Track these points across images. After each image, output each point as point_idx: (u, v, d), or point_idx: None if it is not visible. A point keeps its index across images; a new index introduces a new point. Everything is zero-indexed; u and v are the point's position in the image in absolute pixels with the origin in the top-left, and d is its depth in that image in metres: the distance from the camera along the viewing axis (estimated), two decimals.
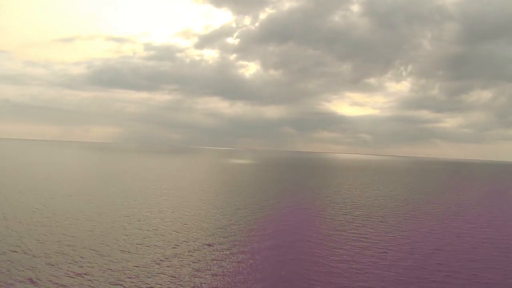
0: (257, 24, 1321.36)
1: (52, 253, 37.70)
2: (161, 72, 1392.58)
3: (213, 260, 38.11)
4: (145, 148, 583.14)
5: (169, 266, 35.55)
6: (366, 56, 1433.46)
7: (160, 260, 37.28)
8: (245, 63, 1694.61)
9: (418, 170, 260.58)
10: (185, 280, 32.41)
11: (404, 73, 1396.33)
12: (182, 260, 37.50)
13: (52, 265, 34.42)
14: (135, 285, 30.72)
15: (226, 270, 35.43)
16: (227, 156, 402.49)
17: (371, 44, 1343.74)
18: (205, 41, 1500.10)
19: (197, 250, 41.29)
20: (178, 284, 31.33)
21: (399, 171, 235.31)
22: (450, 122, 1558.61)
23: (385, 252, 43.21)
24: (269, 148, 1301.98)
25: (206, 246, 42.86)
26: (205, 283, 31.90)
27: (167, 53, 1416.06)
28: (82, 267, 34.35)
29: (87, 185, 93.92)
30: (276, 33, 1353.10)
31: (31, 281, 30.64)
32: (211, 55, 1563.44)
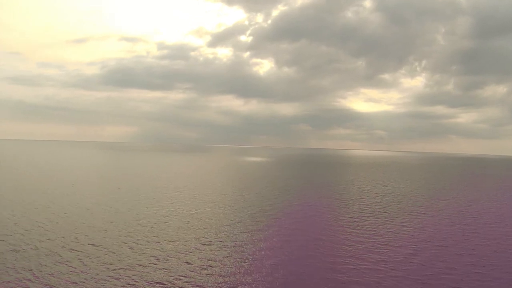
0: (269, 22, 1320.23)
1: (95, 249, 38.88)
2: (174, 71, 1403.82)
3: (226, 257, 38.73)
4: (160, 147, 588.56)
5: (187, 262, 36.30)
6: (380, 52, 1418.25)
7: (173, 254, 38.07)
8: (258, 60, 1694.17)
9: (432, 166, 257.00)
10: (199, 274, 33.11)
11: (418, 69, 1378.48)
12: (195, 255, 38.24)
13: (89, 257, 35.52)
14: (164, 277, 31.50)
15: (244, 265, 36.00)
16: (242, 154, 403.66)
17: (384, 40, 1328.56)
18: (218, 40, 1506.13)
19: (210, 244, 42.00)
20: (192, 277, 32.04)
21: (413, 167, 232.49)
22: (465, 117, 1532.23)
23: (391, 249, 43.19)
24: (284, 146, 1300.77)
25: (218, 242, 43.54)
26: (215, 276, 32.54)
27: (180, 52, 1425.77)
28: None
29: (107, 184, 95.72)
30: (288, 30, 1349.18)
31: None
32: (224, 53, 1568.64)
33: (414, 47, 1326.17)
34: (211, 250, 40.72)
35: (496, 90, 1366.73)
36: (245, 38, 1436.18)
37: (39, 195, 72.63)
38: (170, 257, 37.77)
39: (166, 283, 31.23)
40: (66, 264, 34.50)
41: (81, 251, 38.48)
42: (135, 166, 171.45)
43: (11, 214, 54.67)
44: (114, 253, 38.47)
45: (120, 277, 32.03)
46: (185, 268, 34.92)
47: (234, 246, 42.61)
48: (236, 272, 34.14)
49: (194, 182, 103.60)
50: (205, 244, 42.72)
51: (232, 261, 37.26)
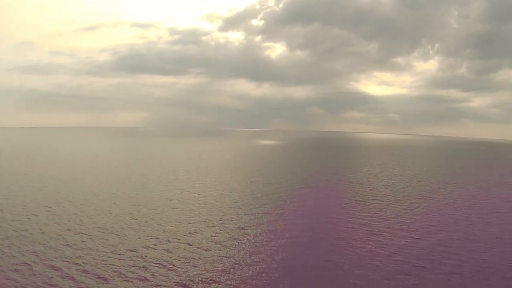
0: (281, 5, 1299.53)
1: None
2: (186, 56, 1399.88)
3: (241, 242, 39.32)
4: (173, 131, 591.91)
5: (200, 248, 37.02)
6: (393, 35, 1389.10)
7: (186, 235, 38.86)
8: (270, 44, 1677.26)
9: (444, 150, 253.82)
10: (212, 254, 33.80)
11: (431, 52, 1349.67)
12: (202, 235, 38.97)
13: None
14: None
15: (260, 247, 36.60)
16: (255, 137, 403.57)
17: (397, 23, 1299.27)
18: (230, 24, 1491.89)
19: (215, 226, 42.67)
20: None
21: (425, 151, 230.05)
22: (478, 101, 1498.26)
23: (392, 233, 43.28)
24: (298, 129, 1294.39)
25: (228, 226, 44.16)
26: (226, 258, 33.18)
27: (192, 37, 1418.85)
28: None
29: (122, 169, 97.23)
30: (300, 14, 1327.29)
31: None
32: (236, 37, 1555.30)
33: (427, 30, 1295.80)
34: (213, 232, 41.33)
35: (510, 74, 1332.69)
36: (257, 22, 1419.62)
37: (49, 181, 74.30)
38: (172, 238, 38.50)
39: (165, 263, 31.94)
40: (70, 246, 35.49)
41: (85, 234, 39.47)
42: (147, 151, 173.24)
43: (21, 200, 56.18)
44: (118, 235, 39.36)
45: (121, 258, 32.82)
46: (185, 249, 35.60)
47: (237, 228, 43.16)
48: (235, 254, 34.68)
49: (205, 166, 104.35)
50: (209, 226, 43.36)
51: (233, 243, 37.81)
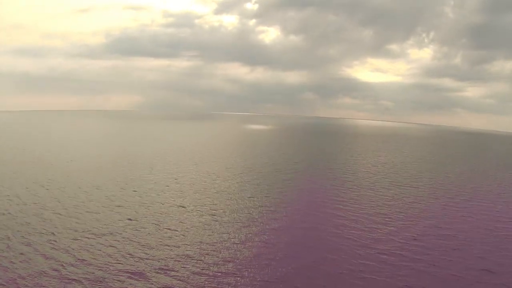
0: None
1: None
2: (180, 39, 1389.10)
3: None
4: (166, 115, 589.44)
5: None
6: (387, 22, 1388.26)
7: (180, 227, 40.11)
8: (264, 28, 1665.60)
9: (434, 139, 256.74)
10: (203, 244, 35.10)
11: (426, 40, 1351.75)
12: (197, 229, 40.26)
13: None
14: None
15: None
16: (247, 122, 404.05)
17: (392, 10, 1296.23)
18: (224, 7, 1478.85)
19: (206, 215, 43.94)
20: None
21: (414, 140, 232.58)
22: (472, 91, 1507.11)
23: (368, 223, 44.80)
24: (290, 114, 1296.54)
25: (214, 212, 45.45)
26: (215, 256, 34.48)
27: (185, 20, 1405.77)
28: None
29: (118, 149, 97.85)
30: None
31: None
32: (230, 21, 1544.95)
33: (422, 18, 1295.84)
34: (182, 213, 42.63)
35: (505, 65, 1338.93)
36: (251, 6, 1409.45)
37: (43, 165, 74.96)
38: (144, 220, 39.76)
39: (136, 244, 33.28)
40: (45, 222, 36.67)
41: (62, 215, 40.62)
42: (139, 134, 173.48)
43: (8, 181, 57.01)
44: (95, 215, 40.58)
45: (93, 243, 34.07)
46: (153, 229, 36.92)
47: (208, 210, 44.44)
48: (203, 234, 36.04)
49: (190, 148, 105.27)
50: (179, 207, 44.66)
51: (204, 226, 39.11)
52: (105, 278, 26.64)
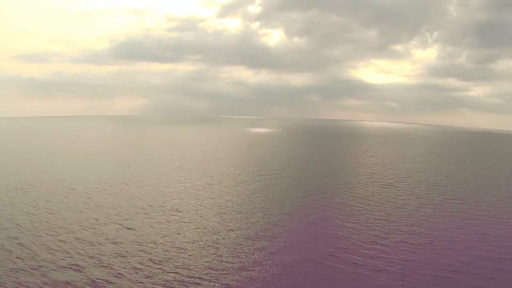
0: None
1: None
2: (184, 42, 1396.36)
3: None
4: (170, 118, 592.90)
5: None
6: (392, 22, 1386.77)
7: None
8: (268, 31, 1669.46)
9: (438, 139, 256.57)
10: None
11: (430, 40, 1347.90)
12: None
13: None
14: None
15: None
16: (251, 125, 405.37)
17: (396, 10, 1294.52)
18: (227, 10, 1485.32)
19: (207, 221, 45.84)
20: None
21: (415, 140, 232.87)
22: (477, 91, 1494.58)
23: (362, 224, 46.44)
24: (296, 116, 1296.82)
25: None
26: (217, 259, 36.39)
27: (189, 24, 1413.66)
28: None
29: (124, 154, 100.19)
30: (298, 0, 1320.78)
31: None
32: (233, 24, 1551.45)
33: (426, 18, 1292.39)
34: (172, 211, 44.54)
35: (510, 64, 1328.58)
36: (254, 8, 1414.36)
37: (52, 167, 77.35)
38: (130, 219, 41.73)
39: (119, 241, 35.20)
40: (48, 213, 38.79)
41: (57, 211, 42.75)
42: (143, 138, 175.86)
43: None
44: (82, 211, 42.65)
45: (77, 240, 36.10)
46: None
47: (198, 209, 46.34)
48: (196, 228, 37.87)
49: (192, 152, 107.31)
50: (159, 207, 46.58)
51: (192, 226, 40.99)
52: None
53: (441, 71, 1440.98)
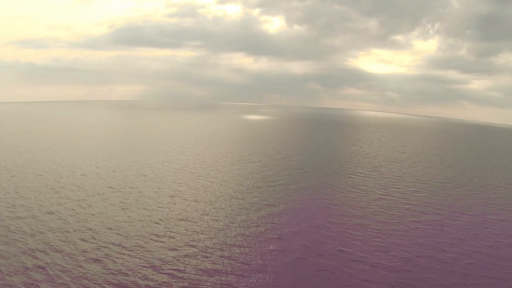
0: None
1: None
2: (184, 28, 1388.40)
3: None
4: (170, 105, 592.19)
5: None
6: (393, 12, 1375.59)
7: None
8: (269, 18, 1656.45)
9: (435, 131, 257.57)
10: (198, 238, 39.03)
11: (431, 31, 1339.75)
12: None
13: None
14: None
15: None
16: (252, 112, 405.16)
17: (396, 0, 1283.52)
18: None
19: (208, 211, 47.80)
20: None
21: (408, 131, 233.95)
22: (478, 84, 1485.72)
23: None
24: (296, 104, 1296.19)
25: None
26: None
27: (189, 10, 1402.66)
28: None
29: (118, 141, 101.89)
30: None
31: None
32: (233, 10, 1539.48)
33: (428, 9, 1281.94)
34: (163, 197, 46.54)
35: (511, 58, 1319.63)
36: None
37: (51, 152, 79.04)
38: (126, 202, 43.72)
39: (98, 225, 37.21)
40: (43, 195, 40.78)
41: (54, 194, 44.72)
42: (141, 123, 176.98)
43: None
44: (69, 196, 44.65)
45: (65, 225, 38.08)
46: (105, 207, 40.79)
47: (188, 196, 48.31)
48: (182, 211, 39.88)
49: (188, 138, 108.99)
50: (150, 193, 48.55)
51: (180, 208, 42.99)
52: None
53: (441, 63, 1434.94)
